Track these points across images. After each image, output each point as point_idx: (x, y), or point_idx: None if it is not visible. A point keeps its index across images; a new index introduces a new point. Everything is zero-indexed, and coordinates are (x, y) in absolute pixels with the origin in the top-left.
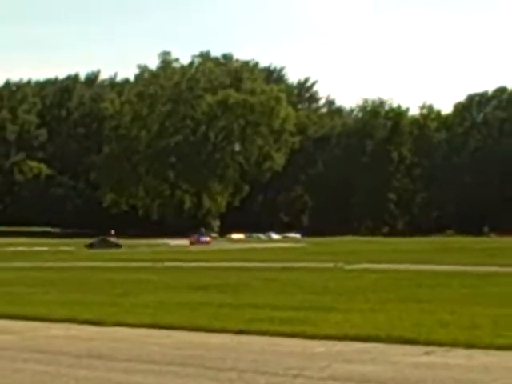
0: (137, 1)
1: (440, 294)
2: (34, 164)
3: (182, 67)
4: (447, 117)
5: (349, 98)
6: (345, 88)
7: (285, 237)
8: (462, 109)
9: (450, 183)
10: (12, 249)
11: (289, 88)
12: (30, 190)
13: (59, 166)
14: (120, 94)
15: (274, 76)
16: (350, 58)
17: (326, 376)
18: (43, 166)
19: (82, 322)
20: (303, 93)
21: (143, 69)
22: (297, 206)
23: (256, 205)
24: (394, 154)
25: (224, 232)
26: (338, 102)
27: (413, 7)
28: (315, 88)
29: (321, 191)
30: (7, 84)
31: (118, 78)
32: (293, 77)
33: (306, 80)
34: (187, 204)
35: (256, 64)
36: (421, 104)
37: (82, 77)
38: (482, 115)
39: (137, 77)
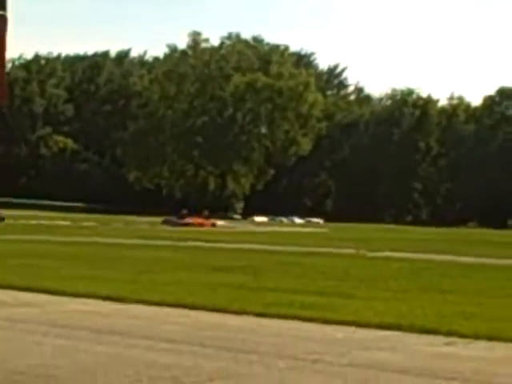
0: None
1: (463, 285)
2: (59, 138)
3: (212, 48)
4: (476, 109)
5: (377, 87)
6: (374, 76)
7: (308, 221)
8: (491, 102)
9: (475, 175)
10: (35, 222)
11: (318, 74)
12: (54, 165)
13: (85, 141)
14: (149, 72)
15: (303, 61)
16: (380, 46)
17: (346, 362)
18: (69, 141)
19: (102, 298)
20: (332, 79)
21: (173, 48)
22: (321, 191)
23: (280, 189)
24: (421, 144)
25: (247, 214)
26: (367, 90)
27: None
28: (344, 75)
29: (346, 177)
30: (37, 57)
31: (148, 57)
32: (322, 63)
33: (336, 66)
34: (211, 185)
35: (286, 48)
36: (449, 95)
37: (113, 54)
38: (511, 109)
39: (166, 56)
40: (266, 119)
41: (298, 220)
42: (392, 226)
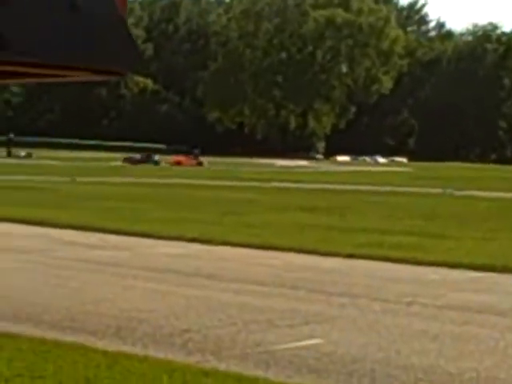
0: None
1: None
2: (140, 79)
3: None
4: None
5: (459, 22)
6: (455, 12)
7: (391, 161)
8: None
9: None
10: (116, 163)
11: (398, 10)
12: (135, 105)
13: (165, 81)
14: (226, 12)
15: None
16: None
17: (442, 304)
18: (149, 81)
19: (190, 240)
20: (412, 15)
21: None
22: (403, 130)
23: (362, 127)
24: (506, 81)
25: (329, 154)
26: (448, 26)
27: None
28: (424, 10)
29: (428, 116)
30: None
31: None
32: None
33: (416, 2)
34: (292, 124)
35: None
36: None
37: None
38: None
39: None
40: (347, 57)
41: (381, 159)
42: (477, 165)
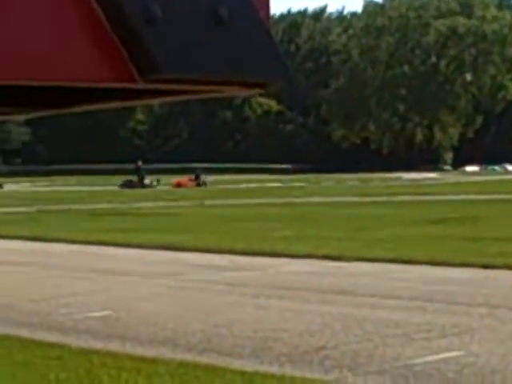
0: None
1: None
2: (263, 100)
3: None
4: None
5: None
6: None
7: None
8: None
9: None
10: (245, 185)
11: None
12: (259, 127)
13: (288, 101)
14: (347, 28)
15: (504, 3)
16: None
17: None
18: (273, 102)
19: (322, 258)
20: None
21: (370, 1)
22: None
23: (489, 136)
24: None
25: (457, 165)
26: None
27: None
28: None
29: None
30: None
31: (346, 13)
32: None
33: None
34: (418, 137)
35: None
36: None
37: (310, 12)
38: None
39: (364, 9)
40: (471, 65)
41: (510, 167)
42: None
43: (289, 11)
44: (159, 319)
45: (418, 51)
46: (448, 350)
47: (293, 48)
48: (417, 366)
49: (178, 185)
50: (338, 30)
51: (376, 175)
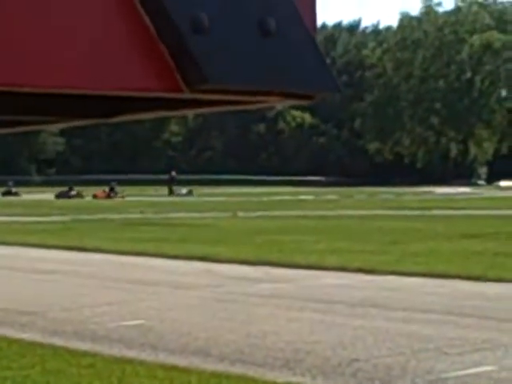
0: None
1: None
2: (297, 113)
3: (446, 12)
4: None
5: None
6: None
7: None
8: None
9: None
10: (278, 198)
11: None
12: (293, 139)
13: (322, 114)
14: (382, 42)
15: None
16: None
17: None
18: (307, 115)
19: (354, 271)
20: None
21: (405, 16)
22: None
23: None
24: None
25: (491, 179)
26: None
27: None
28: None
29: None
30: None
31: (381, 26)
32: None
33: None
34: (453, 151)
35: None
36: None
37: (345, 24)
38: None
39: (399, 24)
40: (506, 80)
41: None
42: None
43: (324, 24)
44: (192, 329)
45: (453, 66)
46: (480, 364)
47: (328, 61)
48: (449, 380)
49: (95, 196)
50: (373, 44)
51: (409, 189)
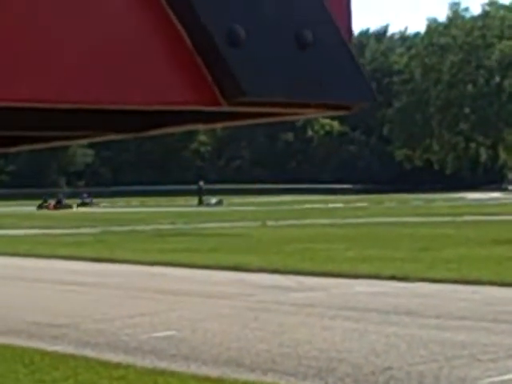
0: None
1: None
2: (325, 121)
3: (473, 17)
4: None
5: None
6: None
7: None
8: None
9: None
10: (308, 206)
11: None
12: (322, 147)
13: (350, 121)
14: (410, 48)
15: None
16: None
17: None
18: (335, 123)
19: (386, 278)
20: None
21: (432, 21)
22: None
23: None
24: None
25: None
26: None
27: None
28: None
29: None
30: None
31: (408, 32)
32: None
33: None
34: (483, 157)
35: None
36: None
37: (372, 31)
38: None
39: (427, 29)
40: None
41: None
42: None
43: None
44: (224, 339)
45: (481, 71)
46: None
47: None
48: None
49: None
50: (401, 49)
51: (439, 195)
